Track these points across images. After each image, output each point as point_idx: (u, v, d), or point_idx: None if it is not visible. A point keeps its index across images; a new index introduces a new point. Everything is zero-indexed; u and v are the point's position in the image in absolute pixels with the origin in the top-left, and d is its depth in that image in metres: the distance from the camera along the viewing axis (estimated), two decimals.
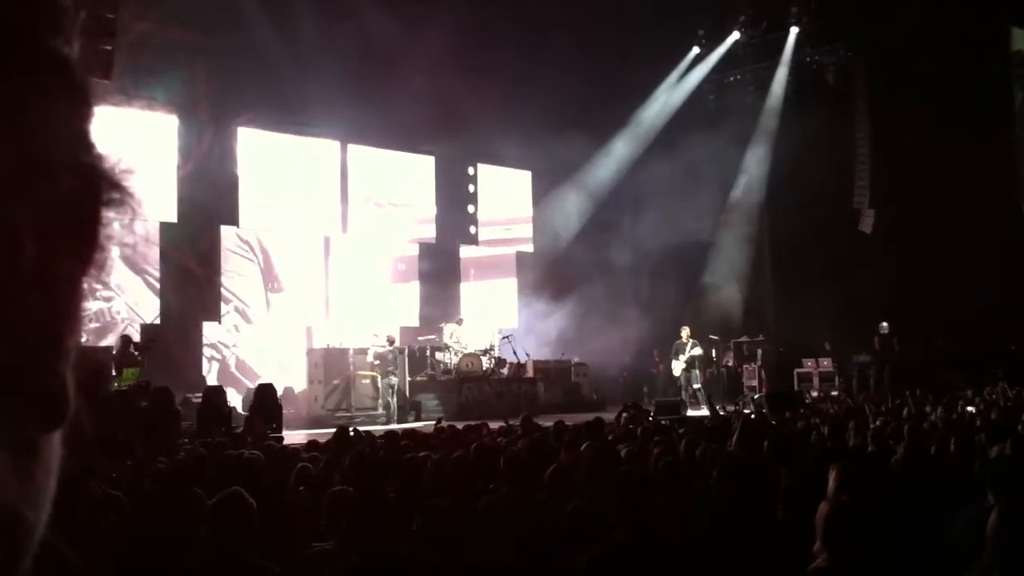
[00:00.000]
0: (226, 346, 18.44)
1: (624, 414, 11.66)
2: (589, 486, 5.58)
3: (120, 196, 0.50)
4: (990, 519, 2.94)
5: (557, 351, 21.11)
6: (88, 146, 0.49)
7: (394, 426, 13.93)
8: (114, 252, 0.51)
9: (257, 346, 18.53)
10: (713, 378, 19.78)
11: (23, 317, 0.45)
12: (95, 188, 0.49)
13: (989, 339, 18.09)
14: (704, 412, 15.45)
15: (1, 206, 0.45)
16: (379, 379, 16.68)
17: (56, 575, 0.50)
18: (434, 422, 11.61)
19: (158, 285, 17.15)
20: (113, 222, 0.50)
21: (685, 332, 19.15)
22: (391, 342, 17.04)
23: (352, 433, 9.08)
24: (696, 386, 18.92)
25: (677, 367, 19.09)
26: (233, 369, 18.27)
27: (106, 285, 0.50)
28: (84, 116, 0.49)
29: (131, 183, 0.51)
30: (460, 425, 10.22)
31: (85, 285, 0.49)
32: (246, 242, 19.24)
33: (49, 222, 0.47)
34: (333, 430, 9.19)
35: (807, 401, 15.46)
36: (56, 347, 0.47)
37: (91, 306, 0.50)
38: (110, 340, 14.74)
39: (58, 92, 0.48)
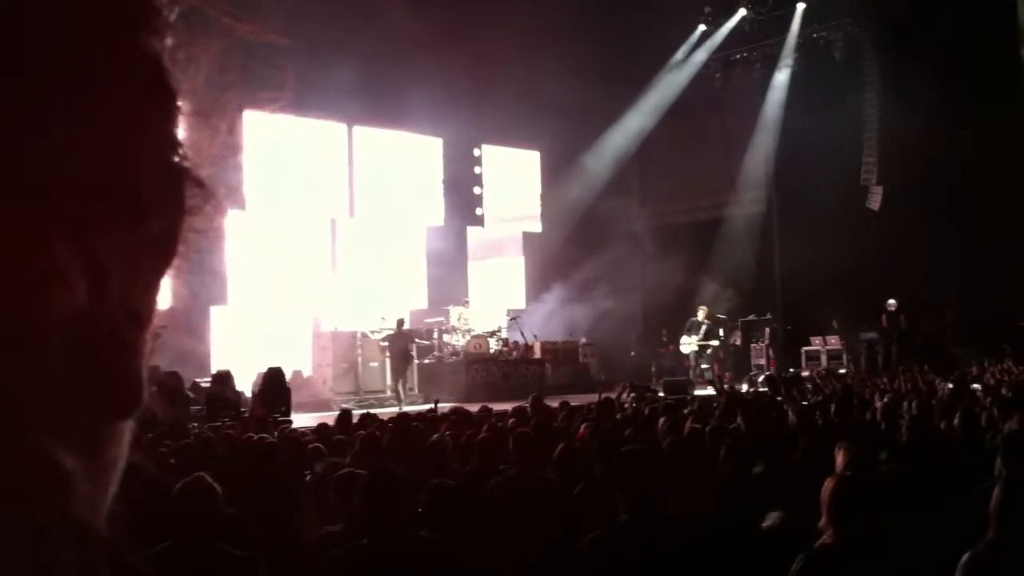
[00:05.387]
0: (235, 330, 18.48)
1: (625, 393, 11.71)
2: (597, 466, 5.61)
3: (202, 193, 0.52)
4: (993, 495, 2.94)
5: (565, 332, 21.11)
6: (175, 145, 0.50)
7: (405, 409, 13.98)
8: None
9: (265, 330, 18.57)
10: (718, 357, 19.76)
11: (109, 318, 0.47)
12: (180, 188, 0.51)
13: (999, 314, 18.02)
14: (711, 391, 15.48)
15: (101, 237, 0.46)
16: (387, 362, 16.66)
17: None
18: (445, 406, 11.60)
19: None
20: (194, 218, 0.52)
21: (703, 311, 19.13)
22: (400, 325, 17.00)
23: (359, 416, 9.13)
24: (704, 366, 18.92)
25: (687, 345, 19.11)
26: (242, 354, 18.31)
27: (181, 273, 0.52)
28: (172, 116, 0.50)
29: (208, 178, 0.52)
30: (472, 407, 10.24)
31: (162, 279, 0.51)
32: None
33: (146, 223, 0.48)
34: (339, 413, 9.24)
35: (815, 377, 15.45)
36: (134, 340, 0.49)
37: None
38: None
39: (151, 94, 0.49)
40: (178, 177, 0.50)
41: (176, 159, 0.50)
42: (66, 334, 0.45)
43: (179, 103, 0.50)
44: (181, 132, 0.51)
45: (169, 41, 0.50)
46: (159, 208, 0.49)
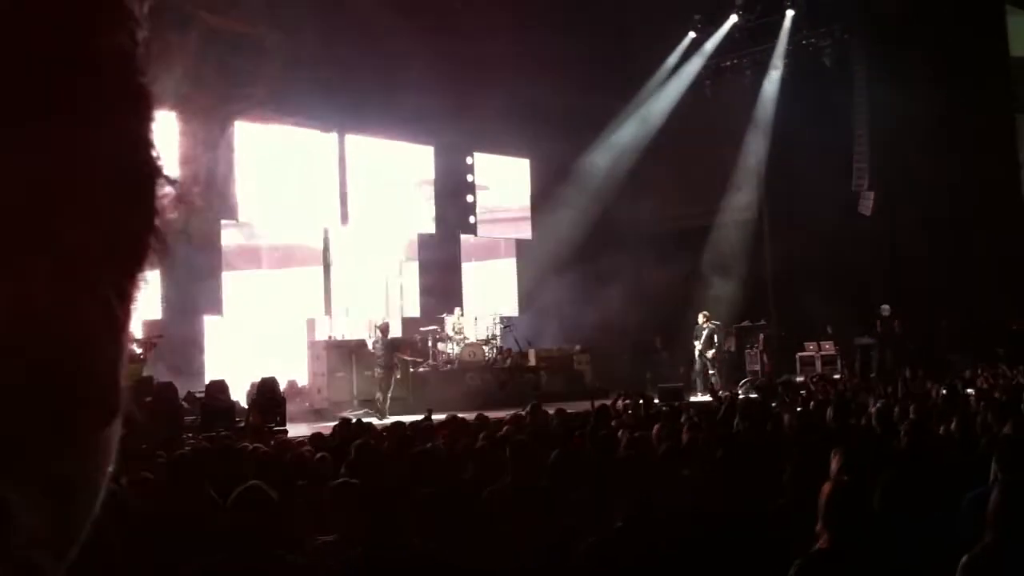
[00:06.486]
0: (229, 340, 18.42)
1: (620, 400, 11.71)
2: (593, 473, 5.60)
3: (175, 192, 0.50)
4: (991, 498, 2.94)
5: (559, 339, 21.09)
6: (148, 145, 0.49)
7: (400, 418, 13.91)
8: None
9: (259, 340, 18.52)
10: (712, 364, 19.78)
11: (82, 320, 0.46)
12: (150, 188, 0.49)
13: (992, 318, 18.05)
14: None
15: (73, 222, 0.44)
16: (376, 371, 16.55)
17: None
18: (441, 415, 11.55)
19: (159, 280, 17.11)
20: (169, 217, 0.50)
21: (702, 317, 19.17)
22: (384, 332, 16.84)
23: (354, 424, 9.11)
24: (711, 371, 18.89)
25: (697, 350, 19.25)
26: (236, 363, 18.25)
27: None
28: (146, 115, 0.49)
29: (182, 178, 0.51)
30: (468, 415, 10.21)
31: (138, 282, 0.50)
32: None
33: (112, 224, 0.47)
34: (336, 423, 9.21)
35: (808, 383, 15.47)
36: (108, 347, 0.48)
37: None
38: None
39: (119, 92, 0.47)
40: (148, 177, 0.49)
41: (147, 159, 0.49)
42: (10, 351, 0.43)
43: (151, 102, 0.49)
44: (154, 131, 0.49)
45: (141, 38, 0.49)
46: (126, 209, 0.48)
